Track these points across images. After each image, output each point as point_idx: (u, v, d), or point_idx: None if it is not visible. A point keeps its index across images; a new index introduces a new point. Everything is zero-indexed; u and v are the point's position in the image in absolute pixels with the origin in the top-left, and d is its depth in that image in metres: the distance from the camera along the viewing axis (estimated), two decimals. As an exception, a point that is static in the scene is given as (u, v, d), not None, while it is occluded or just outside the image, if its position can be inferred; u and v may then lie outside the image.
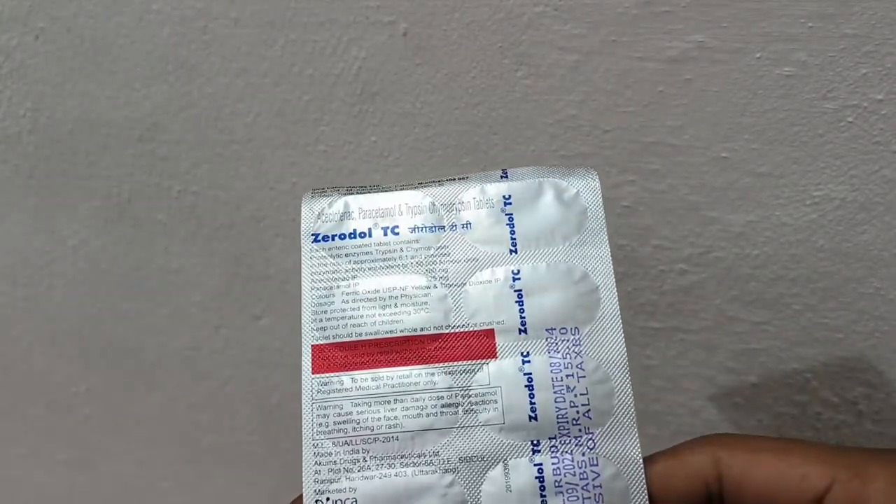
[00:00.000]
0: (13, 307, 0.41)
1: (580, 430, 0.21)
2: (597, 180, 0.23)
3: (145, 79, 0.33)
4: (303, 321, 0.22)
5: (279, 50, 0.32)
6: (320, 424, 0.21)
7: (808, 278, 0.32)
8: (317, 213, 0.23)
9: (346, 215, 0.23)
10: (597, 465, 0.21)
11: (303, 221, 0.23)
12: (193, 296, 0.39)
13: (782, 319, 0.33)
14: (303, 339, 0.22)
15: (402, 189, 0.23)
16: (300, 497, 0.21)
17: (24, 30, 0.33)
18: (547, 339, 0.21)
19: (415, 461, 0.21)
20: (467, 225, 0.23)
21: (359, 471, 0.21)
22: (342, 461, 0.21)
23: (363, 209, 0.23)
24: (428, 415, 0.21)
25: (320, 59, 0.32)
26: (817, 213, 0.31)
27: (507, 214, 0.23)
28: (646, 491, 0.20)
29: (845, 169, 0.30)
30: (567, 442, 0.21)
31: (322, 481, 0.21)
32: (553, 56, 0.30)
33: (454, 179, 0.23)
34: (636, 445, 0.21)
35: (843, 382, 0.33)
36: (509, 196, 0.23)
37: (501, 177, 0.23)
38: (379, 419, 0.21)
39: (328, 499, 0.21)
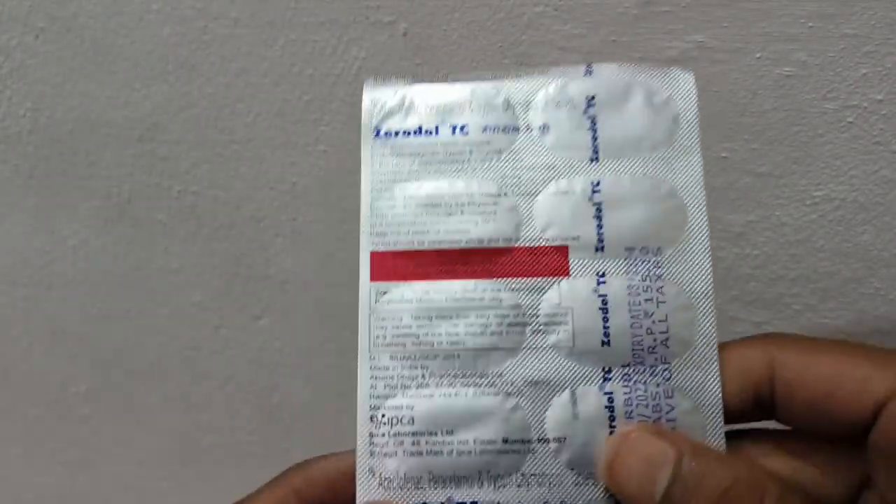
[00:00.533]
0: (13, 307, 0.41)
1: (656, 360, 0.19)
2: (692, 83, 0.21)
3: (145, 79, 0.33)
4: (361, 224, 0.20)
5: (279, 50, 0.32)
6: (378, 336, 0.20)
7: (808, 278, 0.32)
8: (380, 105, 0.21)
9: (410, 109, 0.21)
10: (672, 397, 0.19)
11: (364, 113, 0.21)
12: (193, 296, 0.38)
13: (782, 319, 0.33)
14: (361, 244, 0.20)
15: (472, 81, 0.21)
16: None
17: (24, 30, 0.33)
18: (626, 259, 0.20)
19: (476, 381, 0.19)
20: (545, 127, 0.20)
21: (417, 388, 0.19)
22: (399, 376, 0.19)
23: (429, 104, 0.21)
24: (493, 333, 0.19)
25: (320, 59, 0.32)
26: (817, 213, 0.31)
27: (589, 117, 0.20)
28: (723, 429, 0.19)
29: (845, 169, 0.30)
30: (641, 371, 0.19)
31: (378, 396, 0.19)
32: (553, 56, 0.30)
33: (532, 72, 0.21)
34: (716, 380, 0.19)
35: (843, 382, 0.33)
36: (593, 96, 0.20)
37: (585, 73, 0.21)
38: (440, 335, 0.20)
39: (383, 415, 0.19)
